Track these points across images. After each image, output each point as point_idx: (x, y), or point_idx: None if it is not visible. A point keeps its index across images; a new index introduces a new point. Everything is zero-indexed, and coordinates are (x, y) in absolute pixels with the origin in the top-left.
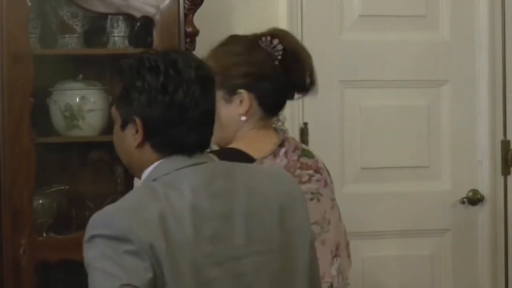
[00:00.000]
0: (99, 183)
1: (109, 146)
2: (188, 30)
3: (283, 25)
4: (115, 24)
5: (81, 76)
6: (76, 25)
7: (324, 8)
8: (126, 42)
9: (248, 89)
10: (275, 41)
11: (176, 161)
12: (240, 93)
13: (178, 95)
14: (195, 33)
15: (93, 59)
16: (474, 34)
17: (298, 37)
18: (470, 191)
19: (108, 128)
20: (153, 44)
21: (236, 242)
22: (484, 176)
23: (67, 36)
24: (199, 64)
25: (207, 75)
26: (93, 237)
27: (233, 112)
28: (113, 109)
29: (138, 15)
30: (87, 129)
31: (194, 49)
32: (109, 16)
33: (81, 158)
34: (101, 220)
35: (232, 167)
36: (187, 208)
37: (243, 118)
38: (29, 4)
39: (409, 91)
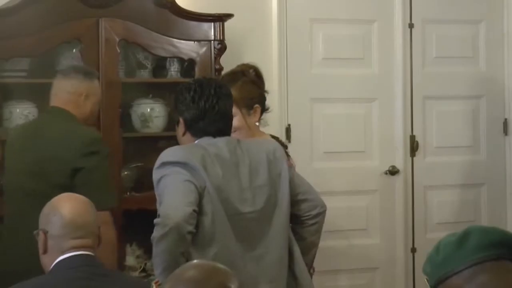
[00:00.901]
0: None
1: (168, 139)
2: (216, 67)
3: (275, 62)
4: (172, 63)
5: (150, 95)
6: (147, 63)
7: (301, 53)
8: (179, 74)
9: (260, 104)
10: (253, 72)
11: (207, 139)
12: (255, 108)
13: (201, 103)
14: (221, 69)
15: (158, 85)
16: (393, 68)
17: (285, 69)
18: (391, 166)
19: (167, 127)
20: (194, 76)
21: (242, 179)
22: (399, 157)
23: (142, 70)
24: (218, 85)
25: (224, 91)
26: (163, 164)
27: (252, 121)
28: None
29: (186, 57)
30: (154, 128)
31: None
32: (168, 58)
33: (151, 146)
34: (168, 154)
35: (239, 140)
36: (216, 156)
37: (257, 123)
38: (118, 50)
39: (354, 105)
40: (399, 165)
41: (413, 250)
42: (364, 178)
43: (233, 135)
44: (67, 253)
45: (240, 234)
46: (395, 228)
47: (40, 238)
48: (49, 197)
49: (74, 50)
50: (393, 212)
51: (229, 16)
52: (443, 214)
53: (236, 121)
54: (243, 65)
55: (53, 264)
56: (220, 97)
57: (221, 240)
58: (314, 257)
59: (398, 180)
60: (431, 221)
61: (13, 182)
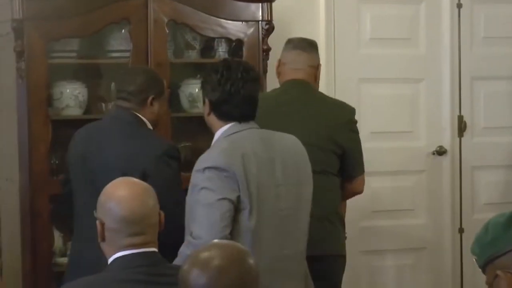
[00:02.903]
0: (208, 141)
1: None
2: (264, 47)
3: (322, 42)
4: (220, 43)
5: (198, 76)
6: (195, 44)
7: (348, 33)
8: (226, 55)
9: None
10: None
11: (235, 127)
12: None
13: (227, 86)
14: (269, 49)
15: (206, 66)
16: (440, 49)
17: (332, 50)
18: (438, 146)
19: None
20: (243, 56)
21: (277, 176)
22: (446, 137)
23: (190, 51)
24: (246, 68)
25: (251, 75)
26: (204, 168)
27: None
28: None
29: (234, 38)
30: (202, 108)
31: (268, 59)
32: (216, 39)
33: (199, 126)
34: (208, 157)
35: (268, 132)
36: (253, 154)
37: None
38: (167, 31)
39: (401, 85)
40: (447, 145)
41: (461, 230)
42: (411, 158)
43: None
44: (124, 250)
45: (276, 231)
46: (442, 208)
47: (98, 226)
48: None
49: (123, 31)
50: (440, 192)
51: None
52: (491, 194)
53: None
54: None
55: (110, 260)
56: (246, 81)
57: (258, 239)
58: None
59: (446, 160)
60: (479, 202)
61: None
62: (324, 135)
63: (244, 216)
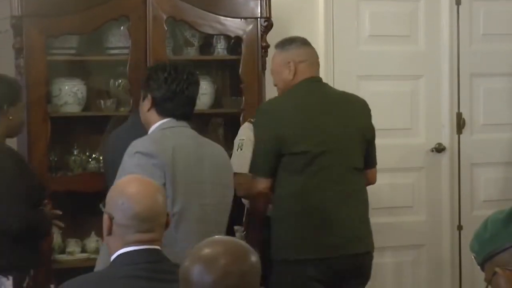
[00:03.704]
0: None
1: (215, 115)
2: (263, 44)
3: (321, 39)
4: (218, 40)
5: (197, 72)
6: (194, 41)
7: (347, 30)
8: (225, 52)
9: None
10: None
11: (172, 122)
12: None
13: (173, 86)
14: (267, 46)
15: (205, 63)
16: (439, 46)
17: (331, 47)
18: (437, 143)
19: (214, 104)
20: (241, 53)
21: (204, 174)
22: (445, 134)
23: (189, 48)
24: (190, 71)
25: (194, 78)
26: (135, 153)
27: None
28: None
29: (232, 35)
30: (201, 105)
31: (267, 56)
32: (215, 36)
33: (197, 122)
34: (141, 144)
35: (198, 135)
36: (183, 149)
37: None
38: (166, 28)
39: (400, 82)
40: (446, 142)
41: (459, 227)
42: (410, 156)
43: None
44: (129, 246)
45: (200, 222)
46: (441, 205)
47: (105, 220)
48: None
49: (122, 28)
50: (439, 189)
51: None
52: (490, 191)
53: None
54: None
55: (114, 255)
56: (190, 83)
57: (182, 226)
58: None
59: (445, 157)
60: (478, 199)
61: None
62: (357, 131)
63: (168, 203)
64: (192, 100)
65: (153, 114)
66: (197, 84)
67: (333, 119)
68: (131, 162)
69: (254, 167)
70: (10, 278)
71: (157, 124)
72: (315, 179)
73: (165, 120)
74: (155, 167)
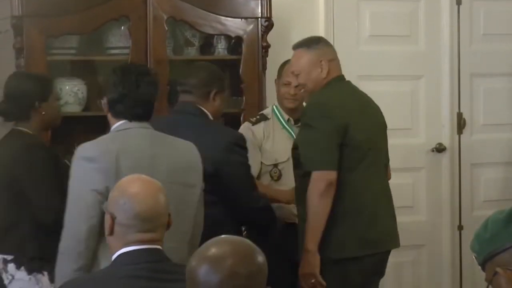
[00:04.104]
0: None
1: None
2: (264, 44)
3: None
4: (219, 40)
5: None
6: (195, 41)
7: (347, 30)
8: (226, 52)
9: None
10: None
11: (126, 124)
12: None
13: (122, 88)
14: (268, 46)
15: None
16: (440, 46)
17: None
18: (437, 143)
19: None
20: (242, 53)
21: (159, 173)
22: (446, 134)
23: (189, 48)
24: (141, 72)
25: (147, 79)
26: (78, 158)
27: None
28: None
29: (233, 35)
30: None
31: (267, 56)
32: (215, 36)
33: None
34: (85, 148)
35: (161, 135)
36: (133, 150)
37: None
38: (166, 28)
39: (400, 82)
40: (446, 142)
41: (460, 227)
42: (410, 156)
43: None
44: (131, 246)
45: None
46: (441, 205)
47: (107, 220)
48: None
49: (122, 28)
50: (439, 189)
51: None
52: (490, 191)
53: None
54: None
55: (115, 255)
56: (139, 85)
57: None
58: None
59: (445, 157)
60: (478, 199)
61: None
62: (383, 128)
63: None
64: (144, 101)
65: (109, 116)
66: (150, 85)
67: (369, 117)
68: (74, 167)
69: (321, 161)
70: (45, 273)
71: (114, 126)
72: (365, 175)
73: (120, 122)
74: (96, 171)
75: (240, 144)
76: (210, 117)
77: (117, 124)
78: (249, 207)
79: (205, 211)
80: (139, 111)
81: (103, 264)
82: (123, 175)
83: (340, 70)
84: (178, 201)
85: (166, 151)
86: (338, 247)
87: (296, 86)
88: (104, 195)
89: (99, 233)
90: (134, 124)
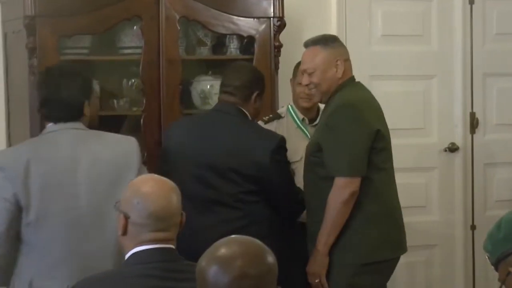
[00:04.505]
0: None
1: None
2: (276, 44)
3: None
4: (231, 40)
5: (210, 72)
6: (207, 41)
7: (360, 30)
8: (238, 51)
9: None
10: None
11: (51, 127)
12: None
13: (46, 90)
14: (280, 46)
15: (217, 62)
16: (452, 45)
17: None
18: (450, 143)
19: None
20: (254, 53)
21: (79, 175)
22: (458, 134)
23: (201, 47)
24: (65, 73)
25: (70, 80)
26: None
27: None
28: None
29: (245, 34)
30: (214, 105)
31: (279, 56)
32: (227, 35)
33: None
34: None
35: (90, 132)
36: (47, 154)
37: None
38: (179, 28)
39: (413, 82)
40: (459, 142)
41: (473, 227)
42: (423, 155)
43: None
44: (144, 245)
45: (71, 227)
46: (454, 205)
47: (120, 220)
48: None
49: (134, 28)
50: (452, 189)
51: None
52: (503, 191)
53: None
54: None
55: (128, 254)
56: (60, 86)
57: (42, 233)
58: None
59: (458, 157)
60: (491, 199)
61: None
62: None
63: (23, 213)
64: (66, 104)
65: (43, 118)
66: (72, 86)
67: (384, 117)
68: None
69: (348, 168)
70: None
71: (47, 128)
72: (391, 176)
73: (48, 124)
74: (4, 179)
75: (284, 146)
76: (249, 117)
77: (47, 127)
78: (292, 203)
79: (245, 210)
80: (63, 113)
81: (25, 271)
82: (33, 181)
83: (352, 71)
84: (101, 200)
85: (91, 153)
86: (371, 250)
87: (306, 85)
88: (12, 202)
89: (16, 240)
90: (60, 126)
